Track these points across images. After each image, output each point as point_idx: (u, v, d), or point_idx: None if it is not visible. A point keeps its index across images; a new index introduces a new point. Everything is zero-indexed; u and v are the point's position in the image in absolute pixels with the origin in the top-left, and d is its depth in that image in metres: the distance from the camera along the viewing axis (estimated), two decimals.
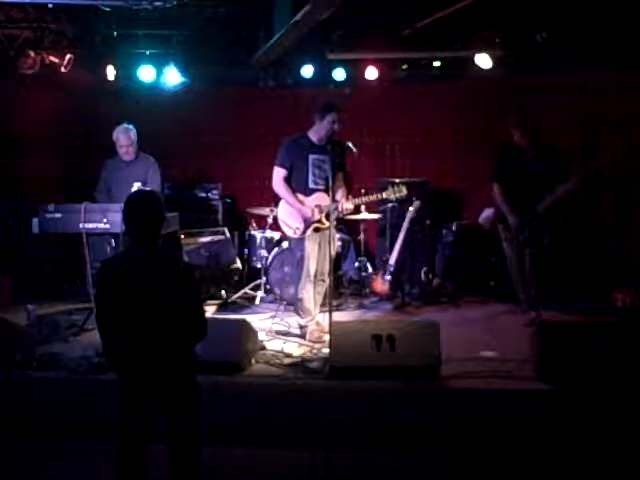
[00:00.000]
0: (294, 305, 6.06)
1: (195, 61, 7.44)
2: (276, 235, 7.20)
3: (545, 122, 6.85)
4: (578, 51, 6.91)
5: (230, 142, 8.25)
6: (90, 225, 5.60)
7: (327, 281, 5.66)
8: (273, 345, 5.59)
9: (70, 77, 7.17)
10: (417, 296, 7.14)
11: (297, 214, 5.74)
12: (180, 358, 3.18)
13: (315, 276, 5.81)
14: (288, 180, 5.75)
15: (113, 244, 5.74)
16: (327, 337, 5.24)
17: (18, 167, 7.75)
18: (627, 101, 7.25)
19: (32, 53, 6.84)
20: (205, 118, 8.09)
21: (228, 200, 8.25)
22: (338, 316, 6.10)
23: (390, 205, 6.91)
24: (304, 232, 5.76)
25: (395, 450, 4.30)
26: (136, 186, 5.96)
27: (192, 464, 3.22)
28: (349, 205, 5.79)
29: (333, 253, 5.68)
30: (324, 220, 5.71)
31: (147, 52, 7.30)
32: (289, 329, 6.07)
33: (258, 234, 7.34)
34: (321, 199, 5.72)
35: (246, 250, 7.50)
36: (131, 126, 6.46)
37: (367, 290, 7.18)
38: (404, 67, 7.87)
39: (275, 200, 6.20)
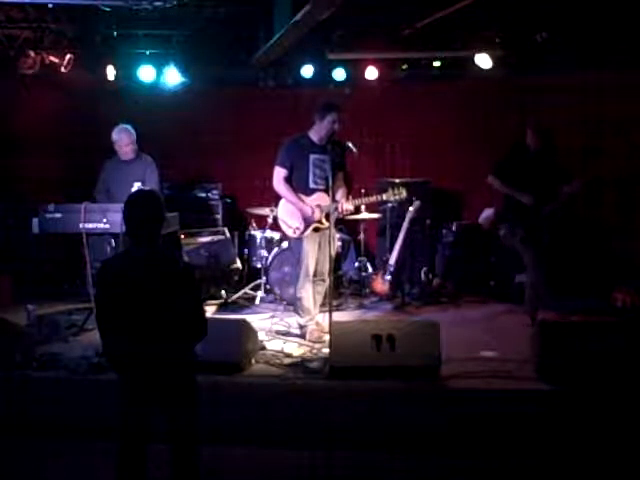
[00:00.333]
0: (294, 305, 6.06)
1: (195, 61, 7.44)
2: (276, 235, 7.19)
3: (545, 122, 6.84)
4: (578, 51, 6.91)
5: (230, 142, 8.25)
6: (90, 225, 5.60)
7: (327, 281, 5.67)
8: (273, 345, 5.59)
9: (70, 77, 7.17)
10: (417, 296, 7.14)
11: (298, 214, 5.74)
12: (180, 358, 3.18)
13: (315, 275, 5.82)
14: (289, 180, 5.76)
15: (113, 244, 5.74)
16: (327, 337, 5.24)
17: (18, 167, 7.77)
18: (627, 101, 7.26)
19: (32, 53, 6.84)
20: (205, 118, 8.10)
21: (228, 200, 8.25)
22: (338, 316, 6.10)
23: (390, 205, 6.91)
24: (304, 232, 5.76)
25: (395, 450, 4.29)
26: (136, 186, 5.96)
27: (192, 464, 3.22)
28: (349, 206, 5.79)
29: (333, 253, 5.68)
30: (324, 220, 5.72)
31: (147, 52, 7.30)
32: (289, 329, 6.07)
33: (258, 234, 7.34)
34: (322, 199, 5.72)
35: (246, 250, 7.50)
36: (129, 126, 6.46)
37: (367, 290, 7.18)
38: (404, 67, 7.87)
39: (276, 200, 6.19)
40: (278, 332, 5.98)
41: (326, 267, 5.73)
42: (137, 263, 3.16)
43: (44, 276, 7.57)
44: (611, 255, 7.34)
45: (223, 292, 7.15)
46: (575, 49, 6.89)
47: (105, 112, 7.50)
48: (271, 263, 7.00)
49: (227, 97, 8.10)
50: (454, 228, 7.62)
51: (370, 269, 7.32)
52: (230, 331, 4.95)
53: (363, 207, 6.94)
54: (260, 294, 7.12)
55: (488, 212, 7.38)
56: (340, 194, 5.77)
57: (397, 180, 7.10)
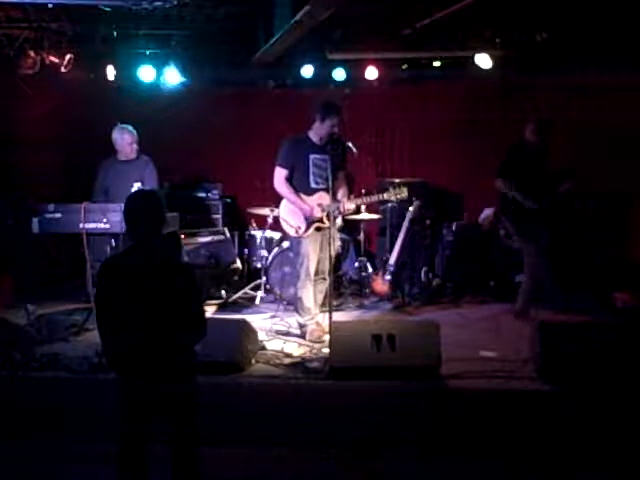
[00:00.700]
0: (294, 304, 6.06)
1: (195, 61, 7.44)
2: (276, 235, 7.20)
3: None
4: (578, 51, 6.91)
5: (230, 142, 8.25)
6: (90, 225, 5.60)
7: (328, 279, 5.67)
8: (273, 345, 5.59)
9: (70, 77, 7.17)
10: (417, 296, 7.14)
11: (299, 213, 5.74)
12: (180, 358, 3.18)
13: (316, 274, 5.82)
14: (289, 180, 5.76)
15: (113, 244, 5.74)
16: (327, 337, 5.24)
17: (18, 167, 7.75)
18: (627, 101, 7.25)
19: (32, 53, 6.85)
20: (205, 118, 8.09)
21: (228, 200, 8.25)
22: (338, 316, 6.10)
23: (390, 205, 6.92)
24: (306, 231, 5.76)
25: (395, 450, 4.29)
26: (136, 186, 5.96)
27: (192, 465, 3.22)
28: (350, 205, 5.80)
29: (333, 253, 5.68)
30: (325, 219, 5.72)
31: (147, 52, 7.29)
32: (289, 329, 6.07)
33: (258, 234, 7.34)
34: (323, 198, 5.72)
35: (246, 250, 7.51)
36: (129, 126, 6.45)
37: (367, 290, 7.18)
38: (404, 67, 7.87)
39: (276, 200, 6.19)
40: (278, 332, 5.98)
41: (327, 266, 5.73)
42: (137, 263, 3.16)
43: (44, 276, 7.56)
44: (610, 255, 7.33)
45: (223, 292, 7.15)
46: (575, 49, 6.89)
47: (105, 112, 7.49)
48: (271, 263, 7.00)
49: (227, 97, 8.11)
50: (454, 228, 7.62)
51: (370, 269, 7.31)
52: (230, 331, 4.95)
53: (363, 207, 6.95)
54: (260, 294, 7.12)
55: (488, 212, 7.38)
56: (341, 194, 5.77)
57: (397, 180, 7.10)
